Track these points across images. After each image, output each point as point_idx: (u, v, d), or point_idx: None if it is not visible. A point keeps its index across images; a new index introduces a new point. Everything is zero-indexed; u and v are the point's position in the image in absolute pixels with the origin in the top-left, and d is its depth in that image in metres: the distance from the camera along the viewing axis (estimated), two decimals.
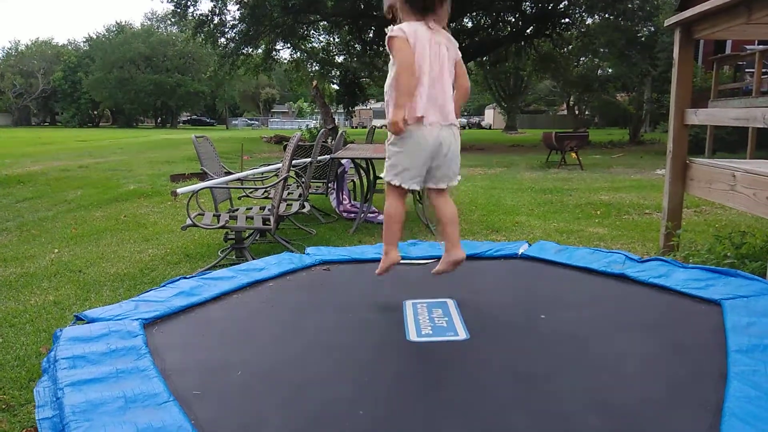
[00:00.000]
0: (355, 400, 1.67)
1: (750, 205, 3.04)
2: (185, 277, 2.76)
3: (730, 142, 10.58)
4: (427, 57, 2.27)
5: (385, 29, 2.34)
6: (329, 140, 7.32)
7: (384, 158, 2.43)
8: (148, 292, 2.63)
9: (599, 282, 2.70)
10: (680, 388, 1.69)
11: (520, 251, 3.18)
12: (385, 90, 2.36)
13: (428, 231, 4.96)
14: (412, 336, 2.08)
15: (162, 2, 52.77)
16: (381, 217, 2.47)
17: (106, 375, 1.76)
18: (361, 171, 5.44)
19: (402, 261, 2.64)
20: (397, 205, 2.37)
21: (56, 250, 4.60)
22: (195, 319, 2.33)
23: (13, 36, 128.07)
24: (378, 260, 2.52)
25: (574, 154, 11.19)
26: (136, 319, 2.20)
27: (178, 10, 18.00)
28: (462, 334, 2.07)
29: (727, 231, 3.82)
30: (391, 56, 2.28)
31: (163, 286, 2.66)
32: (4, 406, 2.11)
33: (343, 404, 1.65)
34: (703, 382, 1.71)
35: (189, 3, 17.88)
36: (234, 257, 3.96)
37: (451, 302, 2.38)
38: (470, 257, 3.15)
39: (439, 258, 3.11)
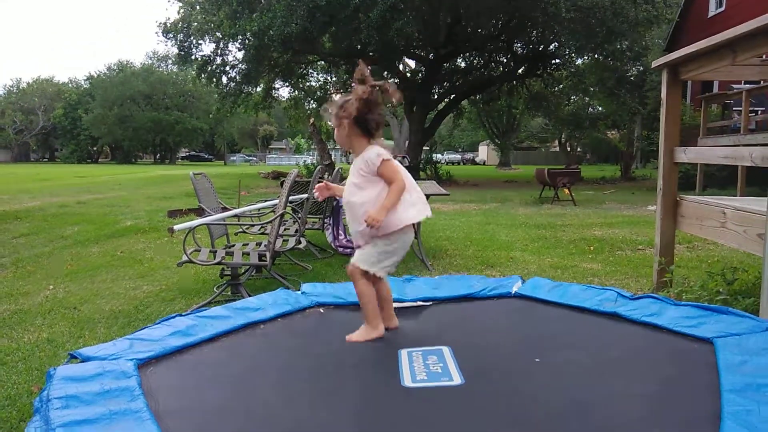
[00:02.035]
0: None
1: (740, 241, 3.08)
2: (180, 315, 2.76)
3: (721, 178, 10.72)
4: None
5: (369, 153, 2.52)
6: (326, 176, 7.39)
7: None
8: (142, 330, 2.62)
9: (592, 321, 2.71)
10: (675, 428, 1.69)
11: (514, 289, 3.20)
12: (360, 202, 2.53)
13: (424, 266, 4.97)
14: (407, 382, 2.06)
15: (166, 45, 54.21)
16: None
17: (99, 416, 1.74)
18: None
19: (397, 304, 2.71)
20: (370, 286, 2.60)
21: (51, 287, 4.58)
22: (189, 359, 2.32)
23: (15, 74, 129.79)
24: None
25: (566, 190, 11.30)
26: (131, 359, 2.19)
27: (182, 53, 18.38)
28: (457, 380, 2.05)
29: (719, 267, 3.86)
30: (372, 174, 2.51)
31: (158, 323, 2.66)
32: None
33: None
34: (697, 422, 1.71)
35: (192, 45, 18.27)
36: (230, 293, 3.95)
37: (446, 349, 2.36)
38: (465, 298, 3.17)
39: (433, 300, 3.13)
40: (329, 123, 2.65)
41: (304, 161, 24.69)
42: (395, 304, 2.76)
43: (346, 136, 2.57)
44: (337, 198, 5.99)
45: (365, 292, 2.57)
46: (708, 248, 5.78)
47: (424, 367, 2.17)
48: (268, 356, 2.41)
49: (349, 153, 2.72)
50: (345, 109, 2.54)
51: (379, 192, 2.50)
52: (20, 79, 61.24)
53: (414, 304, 3.06)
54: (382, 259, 2.56)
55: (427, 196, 5.18)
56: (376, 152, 2.52)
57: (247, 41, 15.51)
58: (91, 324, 3.57)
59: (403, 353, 2.34)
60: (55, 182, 19.49)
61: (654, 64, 3.95)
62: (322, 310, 3.01)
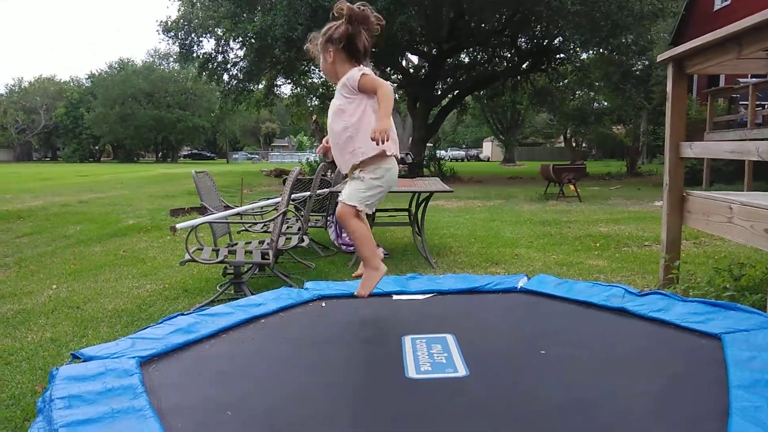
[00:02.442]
0: None
1: (748, 237, 3.05)
2: (183, 314, 2.75)
3: (727, 173, 10.65)
4: None
5: (349, 73, 2.45)
6: (329, 173, 7.37)
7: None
8: (145, 329, 2.61)
9: (599, 316, 2.68)
10: (682, 424, 1.67)
11: (519, 285, 3.17)
12: (343, 127, 2.47)
13: (428, 264, 4.95)
14: (411, 373, 2.06)
15: (167, 43, 53.91)
16: (380, 250, 2.53)
17: (102, 415, 1.73)
18: None
19: (400, 297, 2.66)
20: (363, 223, 2.55)
21: (54, 286, 4.58)
22: (192, 357, 2.31)
23: (16, 73, 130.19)
24: (374, 294, 2.53)
25: (572, 186, 11.26)
26: (133, 358, 2.18)
27: (183, 50, 18.39)
28: (461, 371, 2.05)
29: (726, 263, 3.82)
30: (353, 91, 2.43)
31: (161, 322, 2.65)
32: None
33: None
34: (705, 418, 1.68)
35: (193, 43, 18.27)
36: (232, 292, 3.94)
37: (450, 338, 2.37)
38: (470, 291, 3.15)
39: (438, 293, 3.11)
40: (315, 58, 2.55)
41: (307, 159, 24.68)
42: (396, 297, 2.72)
43: (331, 63, 2.49)
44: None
45: (361, 230, 2.51)
46: (715, 244, 5.74)
47: (428, 357, 2.15)
48: (271, 351, 2.40)
49: None
50: (330, 36, 2.47)
51: (362, 114, 2.42)
52: (22, 78, 61.61)
53: (417, 296, 3.04)
54: (370, 195, 2.50)
55: (431, 194, 5.19)
56: (356, 70, 2.44)
57: (249, 42, 15.48)
58: (95, 323, 3.56)
59: (407, 341, 2.33)
60: (58, 181, 19.54)
61: (659, 57, 3.91)
62: (323, 304, 2.99)
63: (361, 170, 2.49)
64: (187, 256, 3.76)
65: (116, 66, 54.60)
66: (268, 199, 5.79)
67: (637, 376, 2.03)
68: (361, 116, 2.42)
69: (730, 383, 1.84)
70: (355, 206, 2.47)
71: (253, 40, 14.98)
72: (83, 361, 2.19)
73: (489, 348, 2.32)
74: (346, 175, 2.62)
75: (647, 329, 2.47)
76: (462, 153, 51.78)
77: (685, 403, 1.81)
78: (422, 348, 2.25)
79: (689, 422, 1.68)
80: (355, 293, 2.51)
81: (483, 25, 17.80)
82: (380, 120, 2.34)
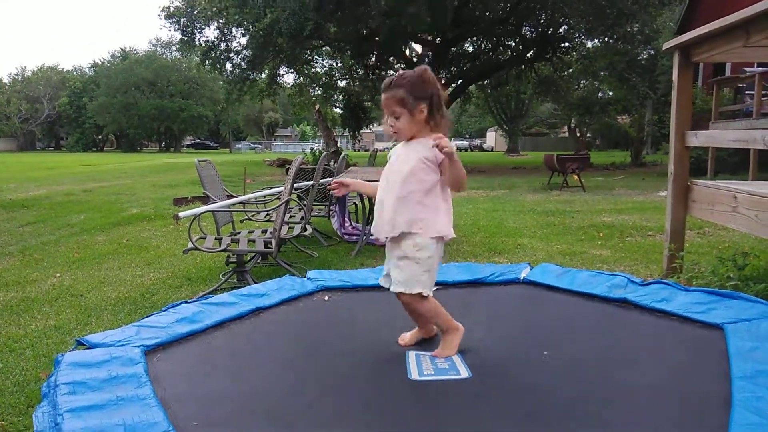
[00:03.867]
0: None
1: (752, 226, 3.03)
2: (186, 302, 2.75)
3: (732, 163, 10.59)
4: None
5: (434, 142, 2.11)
6: (331, 163, 7.36)
7: None
8: (149, 316, 2.62)
9: (601, 308, 2.68)
10: (684, 415, 1.67)
11: (522, 275, 3.17)
12: (411, 190, 2.16)
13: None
14: (414, 375, 2.03)
15: (169, 30, 54.04)
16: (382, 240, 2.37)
17: (107, 402, 1.74)
18: (363, 194, 5.46)
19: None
20: (432, 301, 2.25)
21: (58, 275, 4.60)
22: (196, 346, 2.32)
23: (19, 62, 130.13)
24: (378, 287, 2.51)
25: (576, 176, 11.22)
26: (138, 346, 2.19)
27: (185, 38, 18.31)
28: (464, 373, 2.02)
29: (730, 252, 3.81)
30: (428, 161, 2.15)
31: (165, 310, 2.66)
32: None
33: None
34: (707, 409, 1.68)
35: (195, 30, 18.19)
36: (235, 280, 3.95)
37: None
38: (473, 283, 3.15)
39: (442, 284, 3.10)
40: (390, 108, 2.16)
41: (310, 148, 24.64)
42: None
43: (417, 122, 2.16)
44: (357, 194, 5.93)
45: (435, 309, 2.24)
46: (719, 234, 5.72)
47: (431, 362, 2.12)
48: (274, 343, 2.40)
49: (358, 139, 2.49)
50: (433, 94, 2.16)
51: (432, 185, 2.16)
52: (25, 67, 61.59)
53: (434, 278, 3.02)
54: (430, 276, 2.21)
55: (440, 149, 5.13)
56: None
57: (257, 32, 15.37)
58: (98, 311, 3.58)
59: (411, 354, 2.25)
60: (61, 171, 19.57)
61: (665, 45, 3.88)
62: (326, 297, 2.99)
63: (415, 247, 2.16)
64: (190, 245, 3.76)
65: (119, 55, 54.49)
66: (271, 188, 5.79)
67: (640, 366, 2.03)
68: (432, 187, 2.16)
69: (733, 374, 1.84)
70: (420, 293, 2.17)
71: (260, 31, 14.87)
72: (88, 348, 2.20)
73: (492, 347, 2.28)
74: (349, 165, 2.51)
75: (650, 319, 2.47)
76: (465, 143, 51.59)
77: (688, 393, 1.81)
78: (425, 356, 2.21)
79: (691, 413, 1.68)
80: (438, 355, 2.21)
81: (487, 13, 17.66)
82: (452, 150, 2.09)
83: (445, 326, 2.26)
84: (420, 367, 2.09)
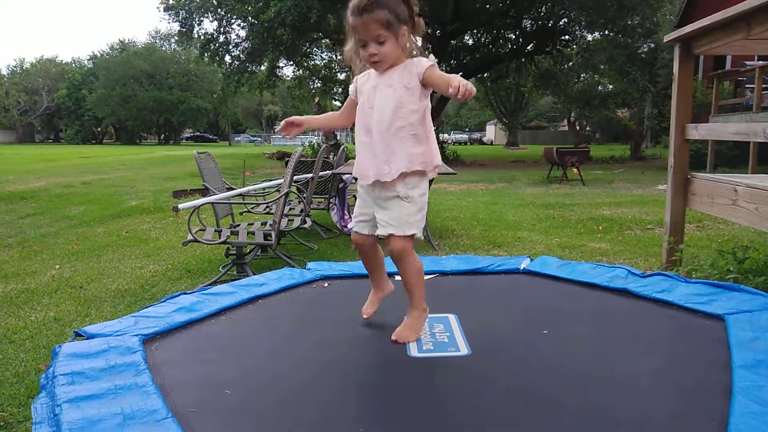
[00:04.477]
0: (356, 417, 1.66)
1: (752, 219, 3.03)
2: (186, 293, 2.75)
3: (732, 157, 10.59)
4: None
5: (415, 60, 1.97)
6: (331, 156, 7.34)
7: None
8: (148, 307, 2.62)
9: (601, 297, 2.68)
10: (684, 404, 1.67)
11: (522, 266, 3.17)
12: (402, 125, 1.95)
13: (430, 246, 4.95)
14: (413, 351, 2.06)
15: (168, 23, 53.92)
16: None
17: (105, 391, 1.74)
18: (316, 128, 5.42)
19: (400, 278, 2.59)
20: (420, 261, 2.09)
21: (57, 267, 4.59)
22: (195, 334, 2.32)
23: (18, 54, 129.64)
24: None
25: (575, 170, 11.21)
26: (136, 335, 2.18)
27: (184, 29, 18.23)
28: (464, 350, 2.05)
29: (729, 246, 3.81)
30: (410, 84, 1.95)
31: (163, 301, 2.65)
32: (2, 423, 2.09)
33: (343, 421, 1.63)
34: (708, 398, 1.69)
35: (194, 22, 18.10)
36: (235, 273, 3.95)
37: (452, 317, 2.37)
38: (472, 272, 3.15)
39: (441, 273, 3.11)
40: (372, 32, 1.88)
41: (309, 141, 24.60)
42: (399, 277, 2.53)
43: (398, 47, 1.94)
44: (344, 179, 5.94)
45: (421, 266, 2.05)
46: (718, 227, 5.72)
47: (431, 336, 2.15)
48: (273, 328, 2.40)
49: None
50: (406, 8, 1.93)
51: (425, 112, 1.97)
52: (24, 59, 61.41)
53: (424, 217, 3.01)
54: (422, 217, 2.02)
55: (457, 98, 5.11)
56: (431, 57, 1.97)
57: (260, 24, 15.27)
58: (98, 303, 3.58)
59: None
60: (60, 163, 19.53)
61: (666, 38, 3.86)
62: (326, 284, 2.99)
63: (406, 185, 1.98)
64: (189, 237, 3.76)
65: (118, 47, 54.30)
66: (271, 180, 5.78)
67: (640, 355, 2.03)
68: (424, 114, 1.97)
69: (734, 363, 1.84)
70: (414, 234, 1.98)
71: (264, 24, 14.76)
72: (86, 339, 2.20)
73: (492, 328, 2.32)
74: (348, 157, 2.30)
75: (650, 310, 2.47)
76: (465, 136, 51.55)
77: (689, 382, 1.81)
78: (424, 327, 2.25)
79: (692, 402, 1.68)
80: (399, 339, 2.06)
81: (487, 5, 17.58)
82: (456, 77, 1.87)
83: (418, 298, 2.08)
84: (419, 341, 2.10)
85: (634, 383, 1.81)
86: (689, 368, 1.91)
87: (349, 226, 2.17)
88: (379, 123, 1.95)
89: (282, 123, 2.12)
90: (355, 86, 2.10)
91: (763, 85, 7.42)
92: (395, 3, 1.90)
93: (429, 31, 18.79)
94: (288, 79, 23.86)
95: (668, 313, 2.41)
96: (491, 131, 52.07)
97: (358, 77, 2.08)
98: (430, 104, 2.00)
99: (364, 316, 2.24)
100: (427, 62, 1.95)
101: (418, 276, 2.05)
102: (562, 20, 18.46)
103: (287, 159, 4.80)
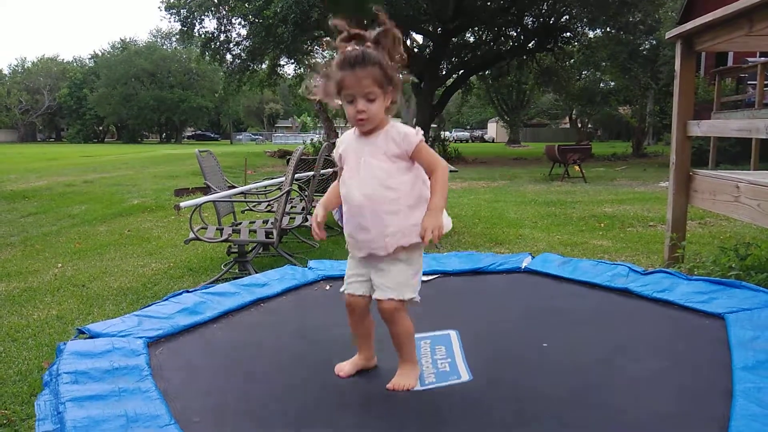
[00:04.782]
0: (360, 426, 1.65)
1: (755, 216, 3.03)
2: (188, 291, 2.75)
3: (734, 154, 10.57)
4: None
5: (400, 128, 1.86)
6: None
7: None
8: (150, 306, 2.62)
9: (603, 297, 2.67)
10: (685, 406, 1.67)
11: (524, 265, 3.17)
12: (393, 198, 1.83)
13: (431, 244, 4.94)
14: (416, 386, 1.94)
15: (169, 21, 53.90)
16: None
17: (108, 393, 1.74)
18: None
19: None
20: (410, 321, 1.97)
21: (60, 265, 4.60)
22: (198, 338, 2.31)
23: (19, 53, 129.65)
24: None
25: (577, 167, 11.20)
26: (140, 338, 2.18)
27: (185, 28, 18.22)
28: (465, 376, 1.97)
29: (731, 243, 3.81)
30: (397, 156, 1.84)
31: (166, 300, 2.65)
32: (5, 421, 2.10)
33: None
34: (708, 399, 1.68)
35: (195, 21, 18.09)
36: (237, 271, 3.95)
37: (453, 334, 2.29)
38: (474, 272, 3.14)
39: (443, 273, 3.10)
40: (364, 88, 1.77)
41: (311, 139, 24.57)
42: None
43: (384, 109, 1.83)
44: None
45: (411, 329, 1.93)
46: (720, 224, 5.71)
47: (432, 366, 2.06)
48: (276, 335, 2.39)
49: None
50: (393, 74, 1.81)
51: (414, 182, 1.86)
52: (25, 58, 61.47)
53: (422, 278, 3.02)
54: (419, 279, 1.93)
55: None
56: (406, 128, 1.87)
57: (262, 22, 15.23)
58: (100, 301, 3.59)
59: None
60: (62, 162, 19.56)
61: (668, 34, 3.86)
62: (328, 287, 2.99)
63: (405, 250, 1.88)
64: (191, 235, 3.76)
65: (119, 46, 54.30)
66: (272, 178, 5.78)
67: (641, 356, 2.03)
68: (413, 184, 1.86)
69: (734, 364, 1.84)
70: (412, 299, 1.89)
71: (270, 20, 14.71)
72: (89, 337, 2.20)
73: (492, 343, 2.24)
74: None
75: (651, 309, 2.46)
76: (467, 134, 51.47)
77: (690, 383, 1.81)
78: (426, 352, 2.15)
79: (693, 404, 1.68)
80: (396, 387, 1.90)
81: (489, 2, 17.54)
82: (436, 212, 1.82)
83: (408, 354, 1.95)
84: (421, 374, 1.99)
85: (635, 386, 1.80)
86: (690, 369, 1.90)
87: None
88: (369, 198, 1.83)
89: (318, 231, 1.99)
90: (338, 152, 1.97)
91: (765, 82, 7.40)
92: (385, 60, 1.80)
93: (430, 28, 18.80)
94: (289, 77, 23.84)
95: (669, 313, 2.41)
96: (493, 129, 51.99)
97: (340, 142, 1.98)
98: (421, 168, 1.87)
99: (341, 375, 2.00)
100: (415, 138, 1.83)
101: (409, 337, 1.94)
102: (564, 17, 18.41)
103: (289, 157, 4.80)
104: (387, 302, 1.85)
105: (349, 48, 1.80)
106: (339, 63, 1.79)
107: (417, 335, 2.11)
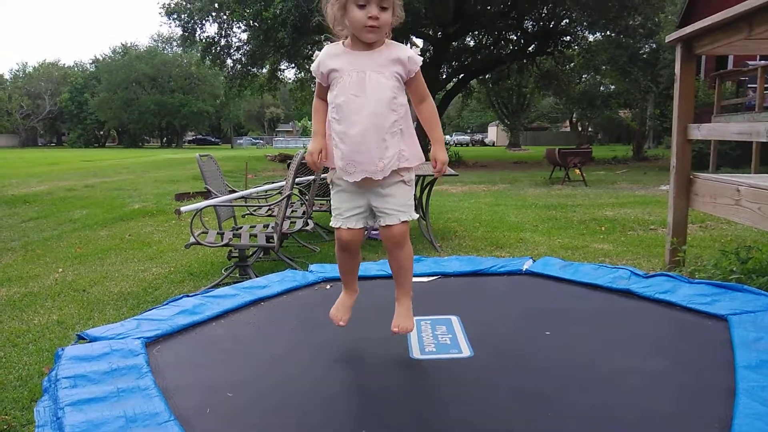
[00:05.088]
0: (359, 419, 1.66)
1: (756, 219, 3.02)
2: (188, 295, 2.75)
3: (734, 157, 10.57)
4: None
5: (406, 50, 1.84)
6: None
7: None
8: (150, 310, 2.62)
9: (604, 298, 2.67)
10: (689, 405, 1.67)
11: (525, 267, 3.16)
12: (394, 120, 1.82)
13: (432, 248, 4.94)
14: (416, 353, 2.05)
15: (170, 26, 54.15)
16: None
17: (107, 394, 1.74)
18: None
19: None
20: None
21: (60, 270, 4.60)
22: (197, 337, 2.32)
23: (21, 58, 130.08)
24: (383, 277, 2.47)
25: (577, 171, 11.19)
26: (138, 338, 2.19)
27: (186, 33, 18.26)
28: (466, 352, 2.04)
29: (732, 246, 3.80)
30: (400, 79, 1.84)
31: (166, 304, 2.65)
32: (5, 427, 2.10)
33: (346, 423, 1.63)
34: (712, 398, 1.68)
35: (196, 26, 18.13)
36: (237, 275, 3.95)
37: (455, 319, 2.36)
38: (474, 273, 3.14)
39: (443, 275, 3.11)
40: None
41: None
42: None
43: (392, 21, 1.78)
44: None
45: (412, 253, 1.99)
46: (721, 227, 5.70)
47: (433, 338, 2.14)
48: (275, 331, 2.40)
49: None
50: None
51: (407, 107, 1.87)
52: (26, 63, 61.62)
53: (421, 279, 3.03)
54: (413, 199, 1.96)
55: (435, 177, 5.16)
56: (408, 49, 1.85)
57: (262, 23, 15.26)
58: (101, 306, 3.58)
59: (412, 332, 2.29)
60: (63, 166, 19.58)
61: (668, 38, 3.86)
62: (328, 287, 2.99)
63: (409, 171, 1.92)
64: (192, 240, 3.76)
65: (120, 50, 54.44)
66: (273, 183, 5.78)
67: (644, 356, 2.02)
68: (406, 112, 1.86)
69: (737, 364, 1.84)
70: (411, 218, 1.92)
71: (268, 22, 14.73)
72: (89, 342, 2.20)
73: (494, 329, 2.32)
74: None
75: (653, 311, 2.46)
76: (467, 138, 51.54)
77: (693, 383, 1.80)
78: (427, 329, 2.25)
79: (696, 403, 1.68)
80: (400, 330, 1.98)
81: (489, 6, 17.56)
82: (442, 144, 1.88)
83: (409, 285, 1.99)
84: (421, 343, 2.10)
85: (638, 385, 1.81)
86: (693, 369, 1.90)
87: (334, 224, 1.97)
88: (376, 116, 1.78)
89: (313, 162, 1.95)
90: (328, 67, 1.86)
91: (766, 85, 7.40)
92: None
93: (430, 32, 18.82)
94: (290, 81, 23.88)
95: (671, 314, 2.41)
96: (493, 132, 52.05)
97: (327, 56, 1.88)
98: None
99: (341, 323, 2.07)
100: (419, 61, 1.83)
101: (412, 262, 2.01)
102: (564, 21, 18.44)
103: (289, 161, 4.80)
104: (400, 225, 1.86)
105: None
106: None
107: (417, 317, 2.15)
